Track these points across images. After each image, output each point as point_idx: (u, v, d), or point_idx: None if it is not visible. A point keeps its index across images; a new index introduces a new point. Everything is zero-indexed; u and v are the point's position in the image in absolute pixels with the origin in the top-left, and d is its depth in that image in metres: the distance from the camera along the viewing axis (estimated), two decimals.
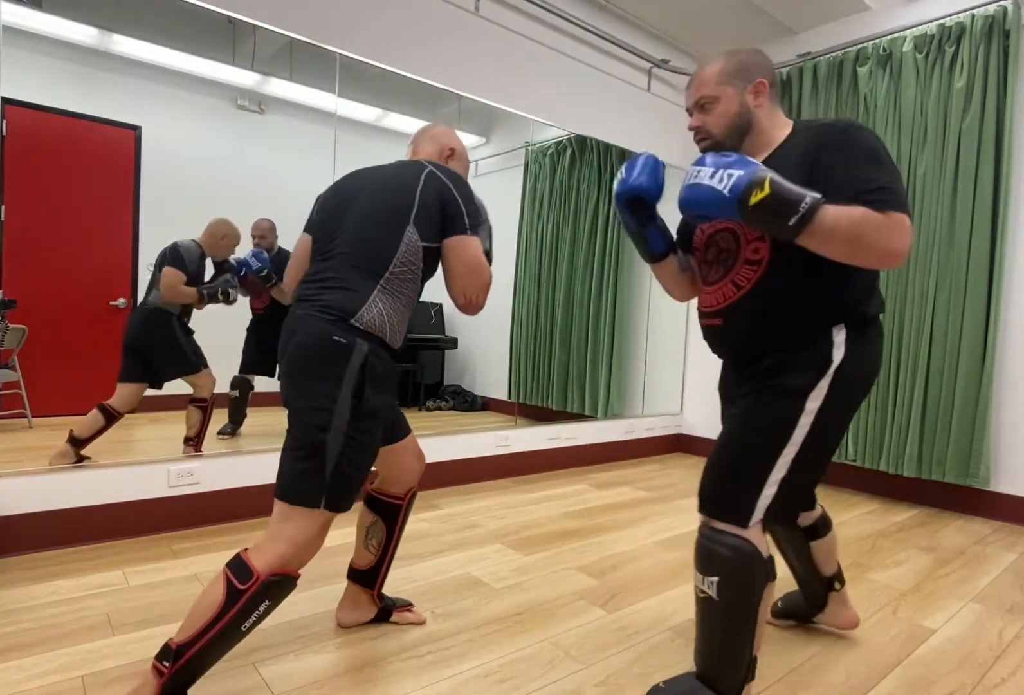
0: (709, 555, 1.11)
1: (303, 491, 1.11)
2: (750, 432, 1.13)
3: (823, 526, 1.44)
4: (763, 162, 1.16)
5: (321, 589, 1.68)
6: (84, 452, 2.04)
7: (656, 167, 1.20)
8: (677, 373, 3.96)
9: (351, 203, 1.28)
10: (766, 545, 1.12)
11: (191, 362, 2.23)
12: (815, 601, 1.52)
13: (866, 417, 2.96)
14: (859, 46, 3.02)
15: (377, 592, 1.47)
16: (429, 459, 2.71)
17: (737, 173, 0.98)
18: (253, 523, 2.18)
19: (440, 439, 2.80)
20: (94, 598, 1.58)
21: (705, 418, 3.82)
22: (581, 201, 3.52)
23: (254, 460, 2.25)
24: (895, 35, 2.90)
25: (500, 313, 3.44)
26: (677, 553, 2.09)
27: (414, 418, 3.64)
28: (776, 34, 3.41)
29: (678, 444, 3.94)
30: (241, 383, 2.46)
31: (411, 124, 3.19)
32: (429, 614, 1.57)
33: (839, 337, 1.11)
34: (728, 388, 1.31)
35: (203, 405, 2.22)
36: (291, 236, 2.65)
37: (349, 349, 1.14)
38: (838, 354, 1.11)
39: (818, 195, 0.97)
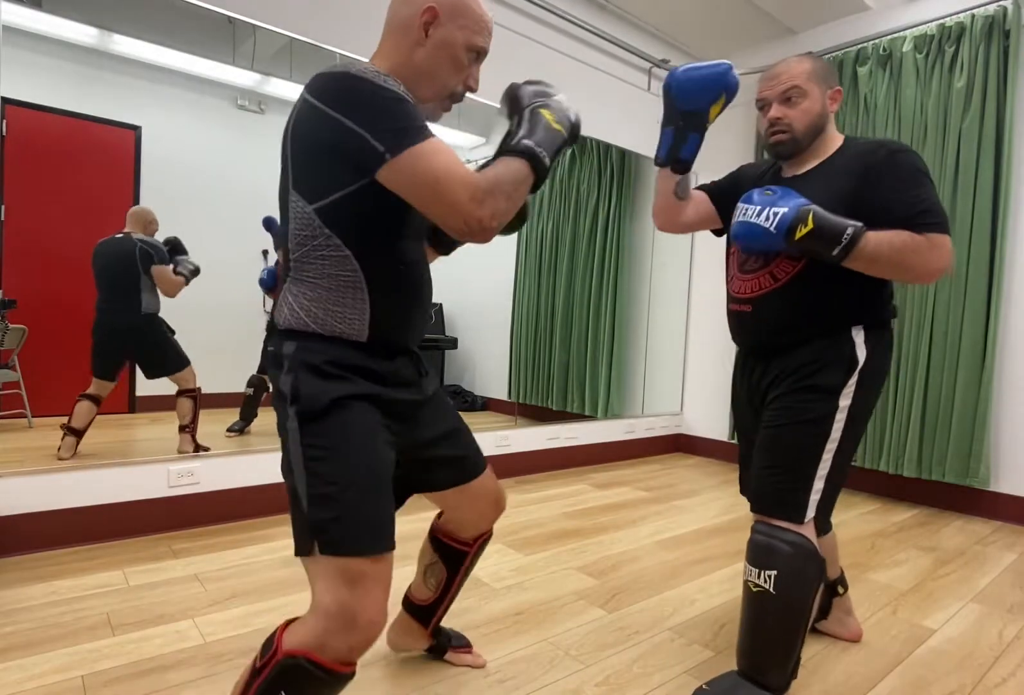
0: (769, 550, 1.13)
1: (296, 536, 0.88)
2: (796, 430, 1.17)
3: (822, 524, 1.40)
4: (814, 169, 1.24)
5: None
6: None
7: (712, 76, 1.15)
8: (677, 373, 3.96)
9: None
10: (817, 543, 1.15)
11: (180, 361, 2.26)
12: (819, 607, 1.48)
13: None
14: (859, 46, 3.02)
15: (431, 630, 1.29)
16: None
17: (782, 211, 1.09)
18: (253, 523, 2.18)
19: None
20: (94, 598, 1.58)
21: (705, 418, 3.82)
22: (581, 201, 3.52)
23: (254, 460, 2.25)
24: (895, 35, 2.90)
25: (500, 313, 3.44)
26: (677, 553, 2.09)
27: None
28: (776, 34, 3.41)
29: (678, 444, 3.94)
30: (257, 382, 2.52)
31: None
32: None
33: (859, 338, 1.18)
34: (747, 381, 1.33)
35: (193, 394, 2.25)
36: None
37: (278, 355, 0.93)
38: (861, 354, 1.17)
39: (859, 224, 1.06)
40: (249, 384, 2.52)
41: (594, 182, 3.52)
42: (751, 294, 1.25)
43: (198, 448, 2.22)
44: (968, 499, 2.71)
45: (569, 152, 3.40)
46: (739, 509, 2.63)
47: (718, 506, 2.67)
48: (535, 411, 3.47)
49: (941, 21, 2.75)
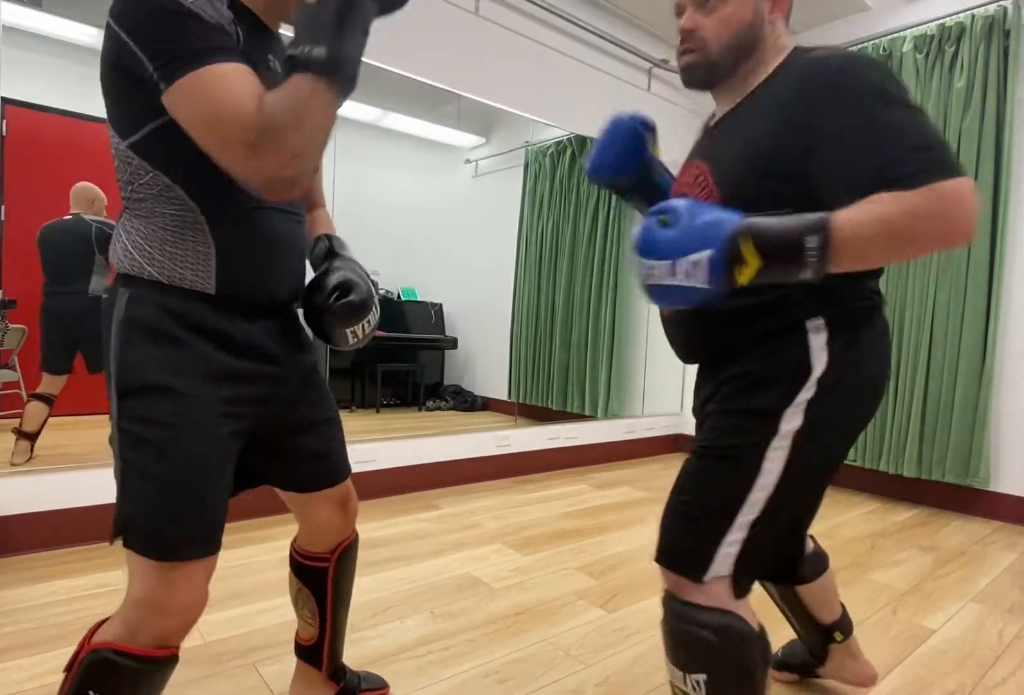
0: (689, 643, 0.83)
1: (114, 520, 0.76)
2: (713, 462, 0.87)
3: (812, 566, 1.17)
4: (738, 106, 0.91)
5: None
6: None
7: (609, 143, 1.05)
8: (677, 373, 3.96)
9: None
10: (751, 612, 0.86)
11: None
12: (813, 652, 1.25)
13: None
14: (859, 46, 3.01)
15: (327, 672, 1.10)
16: (429, 459, 2.72)
17: (702, 258, 0.71)
18: (253, 523, 2.18)
19: (440, 439, 2.80)
20: (94, 598, 1.58)
21: None
22: (581, 201, 3.52)
23: None
24: (895, 35, 2.90)
25: (500, 313, 3.44)
26: None
27: (414, 418, 3.64)
28: None
29: (678, 444, 3.94)
30: None
31: (411, 124, 3.19)
32: (429, 614, 1.57)
33: (817, 339, 0.84)
34: (697, 391, 1.04)
35: None
36: None
37: (109, 304, 0.78)
38: (818, 361, 0.83)
39: (819, 219, 0.70)
40: None
41: None
42: None
43: None
44: (968, 499, 2.71)
45: (569, 152, 3.40)
46: None
47: None
48: (535, 411, 3.47)
49: (941, 21, 2.75)
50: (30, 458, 1.95)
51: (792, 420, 0.83)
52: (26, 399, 1.98)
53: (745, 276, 0.71)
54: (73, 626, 1.43)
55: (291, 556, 1.09)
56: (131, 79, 0.69)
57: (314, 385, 0.97)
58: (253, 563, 1.84)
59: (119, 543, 0.75)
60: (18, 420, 2.07)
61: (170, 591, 0.74)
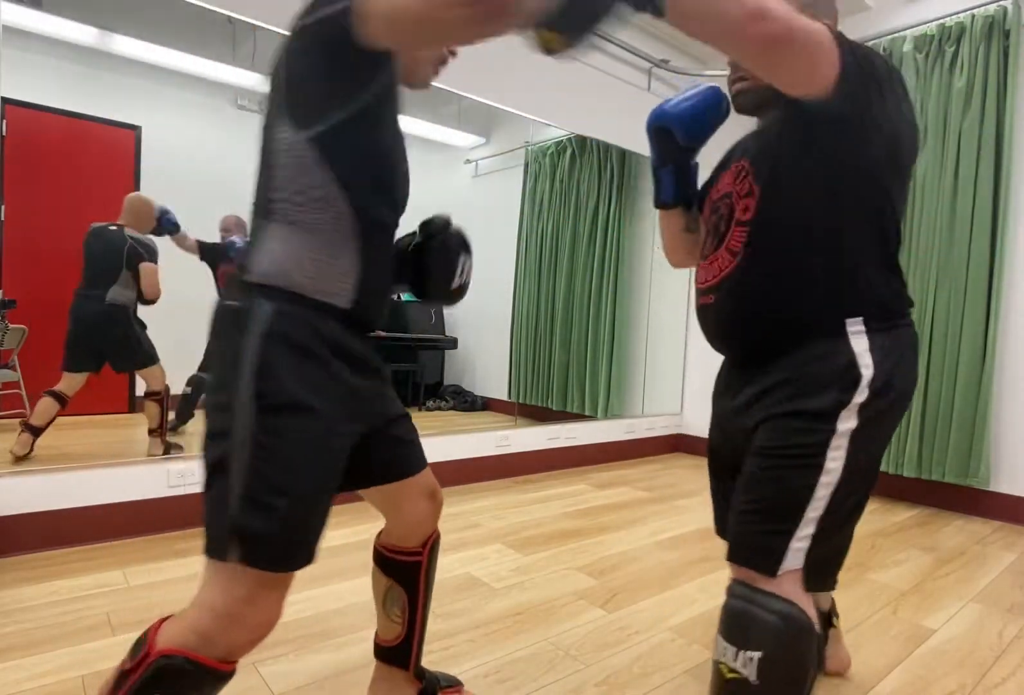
0: (749, 621, 0.85)
1: (208, 534, 0.78)
2: (779, 462, 0.90)
3: (823, 585, 1.23)
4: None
5: (321, 589, 1.68)
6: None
7: (707, 102, 1.03)
8: (677, 373, 3.95)
9: None
10: (813, 610, 0.88)
11: (149, 356, 2.22)
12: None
13: None
14: None
15: (413, 670, 1.12)
16: (429, 459, 2.70)
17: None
18: None
19: (440, 439, 2.80)
20: (94, 598, 1.58)
21: (705, 418, 3.82)
22: (581, 201, 3.52)
23: None
24: (895, 35, 2.90)
25: (500, 313, 3.44)
26: (677, 553, 2.09)
27: (414, 418, 3.63)
28: None
29: (678, 444, 3.94)
30: (196, 380, 2.45)
31: (411, 124, 3.19)
32: (429, 614, 1.56)
33: (860, 342, 0.89)
34: (727, 401, 1.09)
35: (158, 397, 2.23)
36: None
37: (245, 314, 0.76)
38: (866, 366, 0.88)
39: None
40: (188, 383, 2.43)
41: (594, 182, 3.52)
42: (712, 280, 1.01)
43: (168, 449, 2.18)
44: (968, 499, 2.71)
45: (569, 152, 3.40)
46: None
47: None
48: (535, 411, 3.47)
49: (941, 21, 2.75)
50: (30, 452, 1.98)
51: (848, 421, 0.88)
52: (42, 394, 2.05)
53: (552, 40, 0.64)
54: (73, 626, 1.43)
55: (379, 554, 1.09)
56: (328, 46, 0.70)
57: (389, 385, 1.02)
58: None
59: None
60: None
61: (257, 604, 0.75)
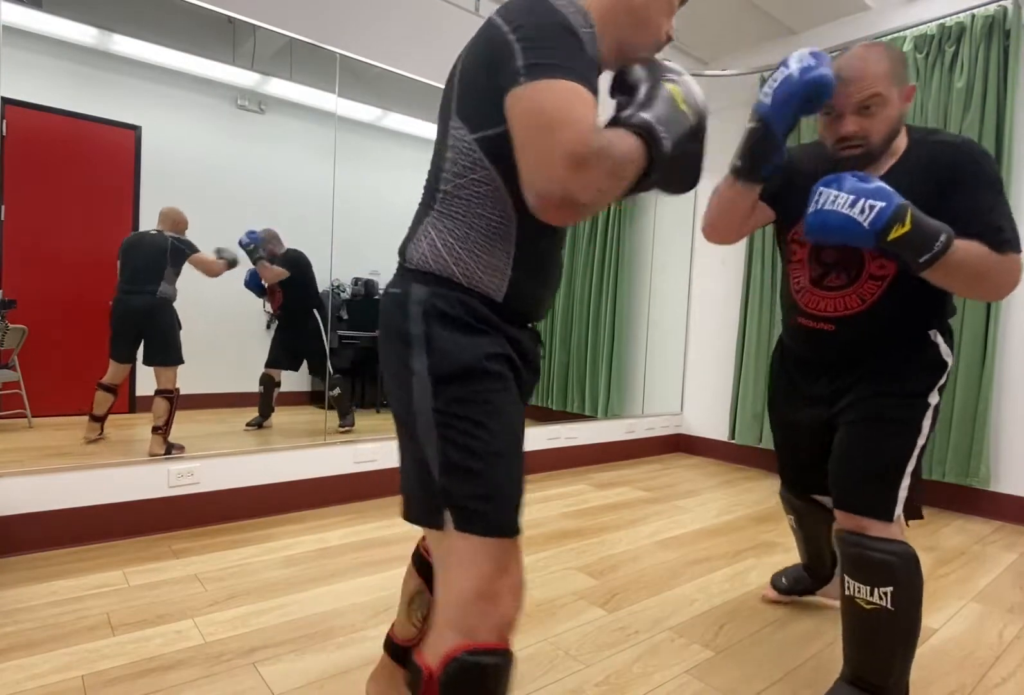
0: (880, 564, 1.10)
1: (418, 504, 0.79)
2: (889, 430, 1.16)
3: (915, 514, 1.56)
4: (890, 170, 1.14)
5: (321, 589, 1.68)
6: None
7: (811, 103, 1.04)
8: (677, 373, 3.95)
9: None
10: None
11: (178, 355, 2.33)
12: (821, 575, 1.62)
13: None
14: None
15: None
16: None
17: (880, 205, 0.96)
18: (253, 523, 2.18)
19: None
20: (94, 598, 1.58)
21: (705, 418, 3.82)
22: None
23: (254, 460, 2.25)
24: (895, 35, 2.90)
25: None
26: (677, 553, 2.09)
27: None
28: (776, 34, 3.41)
29: (678, 444, 3.94)
30: (265, 380, 2.65)
31: (411, 124, 3.18)
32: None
33: (940, 340, 1.20)
34: (808, 389, 1.32)
35: (170, 395, 2.31)
36: (288, 235, 2.66)
37: (403, 298, 0.81)
38: (947, 356, 1.20)
39: (951, 232, 0.98)
40: (260, 382, 2.64)
41: None
42: (834, 314, 1.21)
43: (170, 450, 2.20)
44: (968, 499, 2.71)
45: None
46: (739, 509, 2.63)
47: (718, 506, 2.67)
48: (535, 411, 3.47)
49: (941, 21, 2.75)
50: (100, 435, 2.21)
51: (933, 397, 1.18)
52: (96, 388, 2.23)
53: (896, 233, 0.97)
54: (73, 626, 1.43)
55: (419, 556, 1.07)
56: (497, 73, 0.72)
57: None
58: (253, 563, 1.84)
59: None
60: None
61: (507, 571, 0.74)
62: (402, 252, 0.85)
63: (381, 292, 0.86)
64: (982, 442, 2.59)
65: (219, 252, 2.41)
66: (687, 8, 3.20)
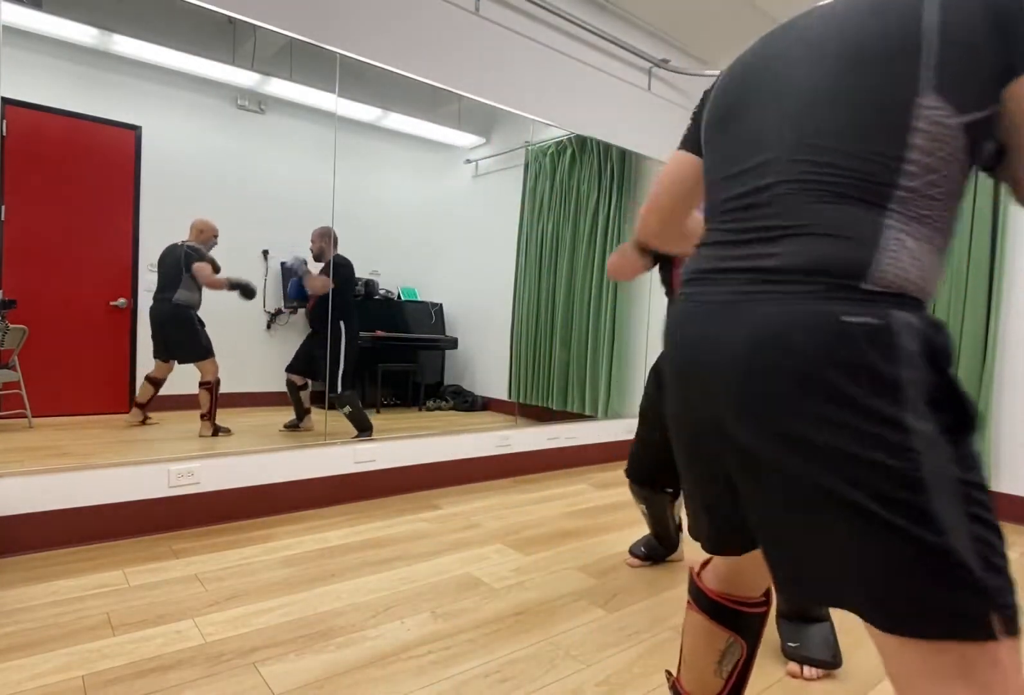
0: None
1: (936, 612, 0.59)
2: None
3: (677, 490, 1.81)
4: None
5: (321, 589, 1.68)
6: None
7: None
8: None
9: (777, 77, 0.71)
10: None
11: (206, 350, 2.47)
12: (670, 545, 1.94)
13: None
14: None
15: None
16: (429, 459, 2.72)
17: None
18: (253, 523, 2.18)
19: (440, 439, 2.80)
20: (94, 598, 1.58)
21: None
22: (581, 201, 3.52)
23: (254, 460, 2.25)
24: None
25: (500, 313, 3.44)
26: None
27: (414, 418, 3.65)
28: None
29: None
30: (287, 383, 2.75)
31: (411, 124, 3.19)
32: (429, 614, 1.57)
33: None
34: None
35: (209, 387, 2.48)
36: (288, 236, 2.67)
37: (886, 332, 0.60)
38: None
39: None
40: (287, 386, 2.76)
41: (594, 182, 3.52)
42: None
43: (217, 432, 2.44)
44: None
45: (569, 152, 3.40)
46: None
47: None
48: (535, 411, 3.47)
49: None
50: (144, 419, 2.40)
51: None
52: (145, 379, 2.42)
53: None
54: (73, 626, 1.43)
55: (717, 606, 0.92)
56: (1008, 53, 0.59)
57: None
58: (253, 563, 1.84)
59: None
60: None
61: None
62: (845, 267, 0.63)
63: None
64: (982, 442, 2.59)
65: (230, 280, 2.57)
66: (688, 7, 3.21)
